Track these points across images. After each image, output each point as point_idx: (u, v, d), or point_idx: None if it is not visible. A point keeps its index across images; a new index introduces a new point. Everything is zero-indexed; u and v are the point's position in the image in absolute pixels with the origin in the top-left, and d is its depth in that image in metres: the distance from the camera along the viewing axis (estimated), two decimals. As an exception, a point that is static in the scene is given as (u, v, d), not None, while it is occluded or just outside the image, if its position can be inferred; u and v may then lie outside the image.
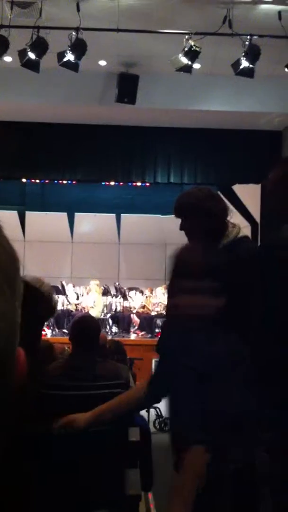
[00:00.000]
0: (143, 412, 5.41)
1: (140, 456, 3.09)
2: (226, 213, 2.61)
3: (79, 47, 6.36)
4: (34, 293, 1.68)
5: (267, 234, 7.77)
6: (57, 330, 9.67)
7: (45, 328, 8.83)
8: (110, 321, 10.19)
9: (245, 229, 9.52)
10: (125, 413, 2.25)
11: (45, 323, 8.23)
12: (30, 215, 12.46)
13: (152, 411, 6.19)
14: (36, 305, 1.60)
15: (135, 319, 10.35)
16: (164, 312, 9.14)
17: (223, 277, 1.87)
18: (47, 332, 9.28)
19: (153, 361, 6.17)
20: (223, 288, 1.81)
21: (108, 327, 9.98)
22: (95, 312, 9.78)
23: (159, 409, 6.32)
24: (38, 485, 1.81)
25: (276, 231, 2.25)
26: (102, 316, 10.01)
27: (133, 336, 9.95)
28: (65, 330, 9.21)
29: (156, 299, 10.41)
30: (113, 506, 2.76)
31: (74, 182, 9.83)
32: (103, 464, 2.58)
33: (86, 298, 10.47)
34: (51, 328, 9.63)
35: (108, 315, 10.34)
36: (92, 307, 10.16)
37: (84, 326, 3.14)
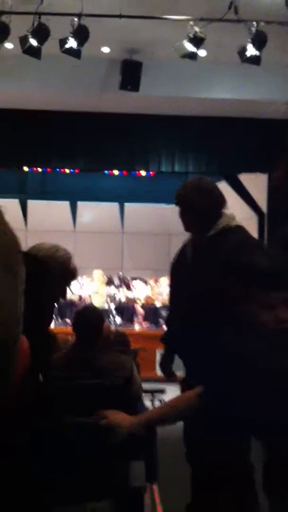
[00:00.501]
0: (148, 404, 5.39)
1: (145, 448, 3.06)
2: (214, 206, 2.69)
3: (81, 34, 6.26)
4: (43, 268, 1.62)
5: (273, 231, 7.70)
6: (60, 320, 9.65)
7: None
8: (114, 311, 10.16)
9: (251, 220, 9.44)
10: (175, 421, 2.14)
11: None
12: (32, 204, 12.41)
13: (157, 403, 6.17)
14: (44, 283, 1.54)
15: (139, 309, 10.32)
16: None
17: None
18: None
19: (157, 351, 6.13)
20: None
21: (111, 317, 9.95)
22: (98, 302, 9.75)
23: (163, 400, 6.29)
24: (42, 477, 1.77)
25: (282, 228, 2.27)
26: (106, 306, 9.99)
27: (137, 327, 9.92)
28: (68, 320, 9.19)
29: (161, 289, 10.37)
30: (118, 497, 2.73)
31: (76, 170, 9.76)
32: (108, 455, 2.55)
33: (89, 287, 10.43)
34: (54, 318, 9.61)
35: (112, 305, 10.31)
36: (93, 295, 10.13)
37: (86, 317, 3.11)
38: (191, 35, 6.26)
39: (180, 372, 2.98)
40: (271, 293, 1.87)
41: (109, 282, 10.72)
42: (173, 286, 3.10)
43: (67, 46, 6.37)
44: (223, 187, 9.15)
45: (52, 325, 9.15)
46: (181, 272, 2.92)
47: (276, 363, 1.76)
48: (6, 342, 0.48)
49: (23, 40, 6.33)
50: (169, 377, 3.04)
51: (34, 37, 6.24)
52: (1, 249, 0.48)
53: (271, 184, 2.80)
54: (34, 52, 6.38)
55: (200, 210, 2.72)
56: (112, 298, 10.57)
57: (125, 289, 10.60)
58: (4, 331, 0.47)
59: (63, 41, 6.38)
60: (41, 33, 6.20)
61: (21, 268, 0.51)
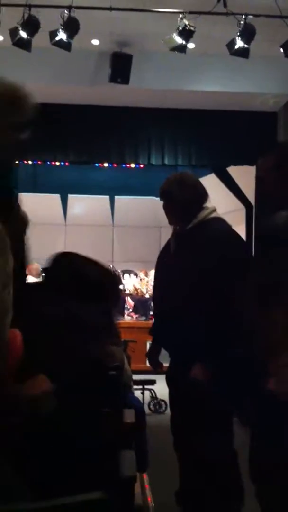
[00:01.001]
0: (138, 394, 5.44)
1: (135, 437, 3.11)
2: (195, 200, 2.81)
3: (71, 26, 6.26)
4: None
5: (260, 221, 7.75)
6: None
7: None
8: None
9: (239, 212, 9.49)
10: None
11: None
12: (22, 197, 12.36)
13: (147, 393, 6.22)
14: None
15: (129, 301, 10.36)
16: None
17: None
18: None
19: (148, 343, 6.18)
20: None
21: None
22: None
23: (153, 391, 6.35)
24: (30, 467, 1.81)
25: (268, 218, 2.33)
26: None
27: (127, 319, 9.97)
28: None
29: (151, 281, 10.42)
30: (108, 487, 2.77)
31: (66, 163, 9.75)
32: (98, 445, 2.58)
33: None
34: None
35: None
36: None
37: None
38: (180, 28, 6.27)
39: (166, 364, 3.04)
40: (245, 281, 1.93)
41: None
42: (156, 277, 3.20)
43: (57, 38, 6.37)
44: (212, 179, 9.19)
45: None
46: (164, 263, 3.01)
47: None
48: None
49: (13, 33, 6.32)
50: (156, 368, 3.10)
51: (24, 29, 6.23)
52: None
53: (258, 175, 2.91)
54: (24, 45, 6.37)
55: (181, 203, 2.84)
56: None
57: (115, 281, 10.63)
58: None
59: (53, 34, 6.37)
60: (31, 25, 6.19)
61: (5, 262, 0.50)
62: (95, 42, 7.35)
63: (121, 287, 10.44)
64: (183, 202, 2.84)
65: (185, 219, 2.86)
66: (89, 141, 8.43)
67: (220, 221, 2.91)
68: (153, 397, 6.39)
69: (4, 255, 0.51)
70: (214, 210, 2.90)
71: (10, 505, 1.53)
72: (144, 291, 10.46)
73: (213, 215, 2.88)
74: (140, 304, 10.10)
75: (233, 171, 9.34)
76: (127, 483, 3.00)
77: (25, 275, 2.40)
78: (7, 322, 0.50)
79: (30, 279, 8.40)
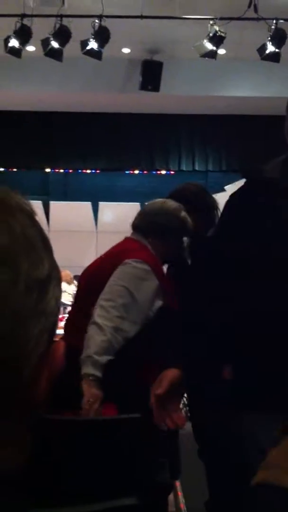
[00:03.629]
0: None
1: (168, 444, 3.09)
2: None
3: (102, 35, 6.31)
4: None
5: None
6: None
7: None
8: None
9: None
10: None
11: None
12: (54, 204, 12.51)
13: (178, 399, 6.19)
14: None
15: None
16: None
17: None
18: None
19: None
20: None
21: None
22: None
23: (185, 397, 6.32)
24: (65, 472, 1.81)
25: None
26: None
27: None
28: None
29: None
30: (143, 494, 2.76)
31: (97, 171, 9.82)
32: (133, 452, 2.58)
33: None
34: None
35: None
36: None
37: None
38: (211, 34, 6.27)
39: None
40: None
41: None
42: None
43: (88, 47, 6.43)
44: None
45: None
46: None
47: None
48: (16, 336, 0.45)
49: (45, 43, 6.41)
50: None
51: (55, 39, 6.31)
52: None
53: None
54: (55, 54, 6.45)
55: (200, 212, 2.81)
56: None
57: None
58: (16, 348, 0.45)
59: (84, 43, 6.43)
60: (63, 35, 6.26)
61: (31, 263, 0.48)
62: (126, 50, 7.40)
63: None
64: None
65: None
66: (119, 148, 8.49)
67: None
68: (185, 404, 6.36)
69: (34, 256, 0.49)
70: None
71: (47, 510, 1.54)
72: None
73: None
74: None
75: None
76: (161, 490, 2.98)
77: None
78: (38, 329, 0.47)
79: (62, 285, 8.48)
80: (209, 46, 6.33)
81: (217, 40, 6.28)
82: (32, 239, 0.49)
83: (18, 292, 0.44)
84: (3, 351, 0.43)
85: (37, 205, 12.68)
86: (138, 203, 12.60)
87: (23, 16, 6.16)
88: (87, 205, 12.63)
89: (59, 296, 0.50)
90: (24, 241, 0.48)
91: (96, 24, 6.26)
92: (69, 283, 8.86)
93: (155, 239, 2.35)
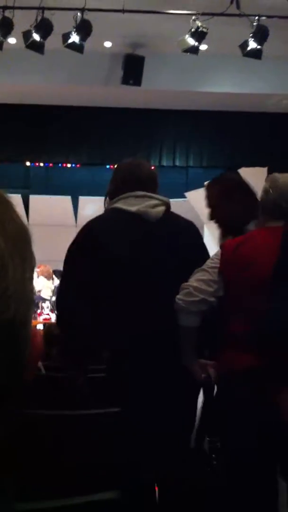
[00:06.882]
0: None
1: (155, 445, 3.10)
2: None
3: (84, 28, 6.27)
4: None
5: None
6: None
7: (49, 312, 8.82)
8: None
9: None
10: None
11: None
12: (34, 198, 12.41)
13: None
14: None
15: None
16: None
17: None
18: (51, 316, 9.28)
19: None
20: None
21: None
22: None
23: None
24: (49, 466, 1.81)
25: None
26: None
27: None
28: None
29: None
30: (126, 489, 2.76)
31: (78, 165, 9.76)
32: (116, 446, 2.58)
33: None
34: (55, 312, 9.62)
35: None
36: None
37: None
38: (193, 30, 6.27)
39: None
40: None
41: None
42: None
43: (70, 41, 6.38)
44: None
45: (54, 319, 9.18)
46: None
47: None
48: (18, 321, 0.46)
49: (27, 35, 6.34)
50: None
51: (37, 32, 6.25)
52: (11, 234, 0.50)
53: (206, 203, 2.89)
54: (37, 47, 6.39)
55: None
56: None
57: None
58: (15, 311, 0.46)
59: (66, 36, 6.39)
60: (44, 28, 6.21)
61: (30, 255, 0.50)
62: (108, 44, 7.37)
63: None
64: None
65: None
66: (100, 142, 8.46)
67: None
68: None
69: (28, 245, 0.51)
70: None
71: (28, 503, 1.54)
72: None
73: None
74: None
75: (245, 172, 9.30)
76: (146, 488, 2.98)
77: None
78: (31, 314, 0.50)
79: (42, 280, 8.42)
80: (191, 41, 6.34)
81: (199, 35, 6.28)
82: None
83: None
84: None
85: (16, 198, 12.59)
86: (118, 198, 12.62)
87: (4, 8, 6.09)
88: (67, 199, 12.57)
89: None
90: None
91: (78, 17, 6.22)
92: (48, 278, 8.79)
93: None
